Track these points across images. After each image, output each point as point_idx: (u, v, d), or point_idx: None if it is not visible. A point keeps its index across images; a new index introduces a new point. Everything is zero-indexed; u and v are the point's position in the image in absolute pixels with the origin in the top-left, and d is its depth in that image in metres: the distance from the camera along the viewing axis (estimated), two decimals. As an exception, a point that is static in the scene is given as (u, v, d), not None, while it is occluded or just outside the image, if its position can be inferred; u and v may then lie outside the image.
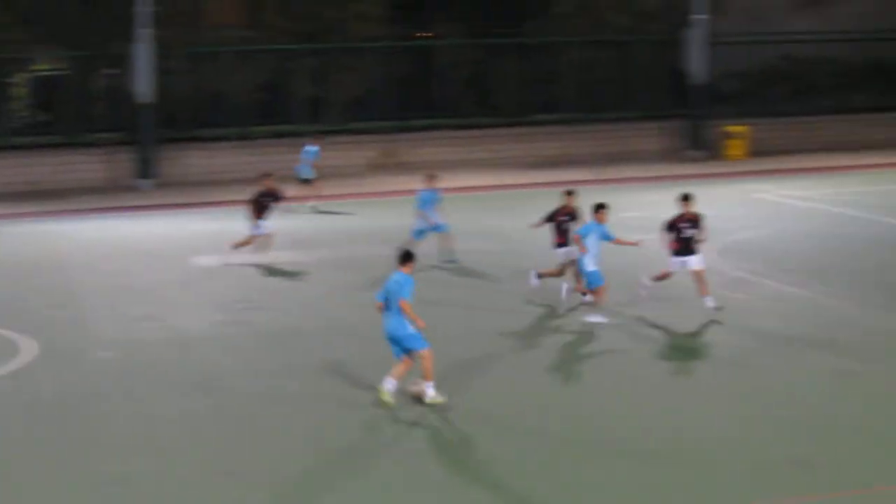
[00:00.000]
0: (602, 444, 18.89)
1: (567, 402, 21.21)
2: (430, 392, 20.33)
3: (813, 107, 58.11)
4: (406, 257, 20.67)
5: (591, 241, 25.86)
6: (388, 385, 20.26)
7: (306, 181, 42.16)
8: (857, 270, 30.81)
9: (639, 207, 40.77)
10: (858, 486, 17.08)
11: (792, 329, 25.41)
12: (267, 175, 34.13)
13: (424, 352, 20.30)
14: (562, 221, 27.62)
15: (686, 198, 26.43)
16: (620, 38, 55.25)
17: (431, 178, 32.74)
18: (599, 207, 26.21)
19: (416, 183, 34.92)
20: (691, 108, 53.39)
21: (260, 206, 32.97)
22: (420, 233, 31.92)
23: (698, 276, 26.05)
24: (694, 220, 26.27)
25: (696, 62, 52.46)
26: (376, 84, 53.81)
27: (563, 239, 27.56)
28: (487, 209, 41.34)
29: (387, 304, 20.38)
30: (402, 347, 20.41)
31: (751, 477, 17.31)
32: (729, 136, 53.84)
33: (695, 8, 52.17)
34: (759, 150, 53.78)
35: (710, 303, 25.95)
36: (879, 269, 31.16)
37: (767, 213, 39.73)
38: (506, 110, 54.64)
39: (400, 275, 20.38)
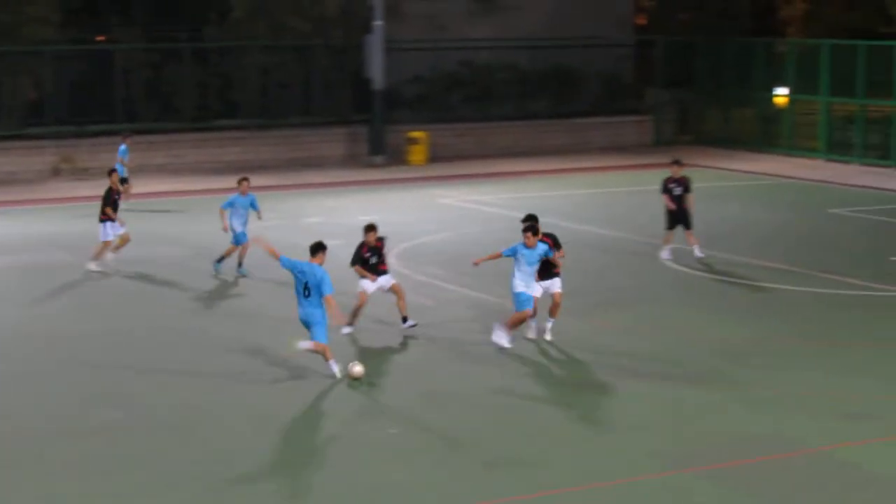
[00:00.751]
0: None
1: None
2: (335, 368, 21.93)
3: (492, 113, 59.28)
4: (317, 248, 22.08)
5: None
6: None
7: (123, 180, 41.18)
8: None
9: (324, 213, 41.18)
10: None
11: (470, 334, 25.83)
12: None
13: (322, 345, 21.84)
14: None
15: (370, 227, 25.35)
16: (300, 43, 55.19)
17: (243, 182, 31.89)
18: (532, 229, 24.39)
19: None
20: (372, 114, 53.73)
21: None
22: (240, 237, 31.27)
23: (396, 292, 25.72)
24: (377, 249, 25.45)
25: (376, 68, 52.72)
26: (53, 88, 52.66)
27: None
28: (169, 216, 40.98)
29: (306, 293, 21.70)
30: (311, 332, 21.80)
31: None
32: (410, 141, 54.40)
33: (373, 14, 52.54)
34: (439, 156, 54.63)
35: (406, 324, 25.60)
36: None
37: (449, 218, 40.27)
38: (186, 115, 54.08)
39: (316, 267, 21.79)
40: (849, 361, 23.56)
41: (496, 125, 58.26)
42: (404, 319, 25.34)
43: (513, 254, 23.98)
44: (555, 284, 24.86)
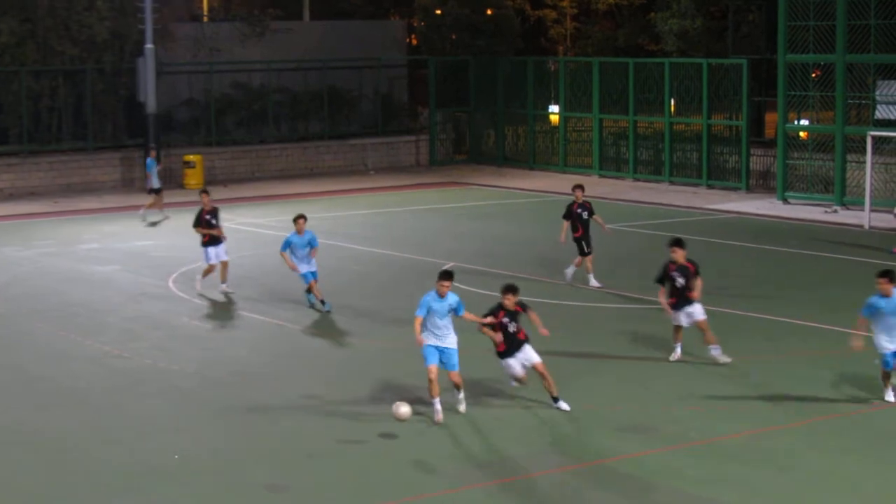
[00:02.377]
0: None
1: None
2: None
3: (267, 135, 59.35)
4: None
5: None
6: None
7: (156, 191, 45.67)
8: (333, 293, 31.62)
9: (99, 238, 40.73)
10: None
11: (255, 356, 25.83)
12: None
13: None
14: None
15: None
16: (71, 68, 54.36)
17: (299, 220, 29.65)
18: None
19: None
20: (146, 138, 53.11)
21: None
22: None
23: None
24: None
25: (148, 91, 52.04)
26: None
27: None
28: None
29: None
30: None
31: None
32: (186, 164, 54.11)
33: (144, 37, 51.99)
34: (215, 179, 54.38)
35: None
36: (344, 292, 32.06)
37: (232, 241, 40.09)
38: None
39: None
40: (625, 373, 24.21)
41: (271, 147, 58.38)
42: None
43: (425, 312, 21.16)
44: (531, 356, 21.56)
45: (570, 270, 32.17)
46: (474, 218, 45.02)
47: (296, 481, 18.58)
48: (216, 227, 31.75)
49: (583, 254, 31.95)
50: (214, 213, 32.08)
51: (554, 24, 74.27)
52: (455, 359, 21.19)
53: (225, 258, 31.70)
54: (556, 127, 59.09)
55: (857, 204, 43.91)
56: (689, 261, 24.40)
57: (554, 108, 58.88)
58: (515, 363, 21.22)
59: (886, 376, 21.66)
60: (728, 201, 48.10)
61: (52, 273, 35.18)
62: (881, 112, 46.62)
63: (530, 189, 52.90)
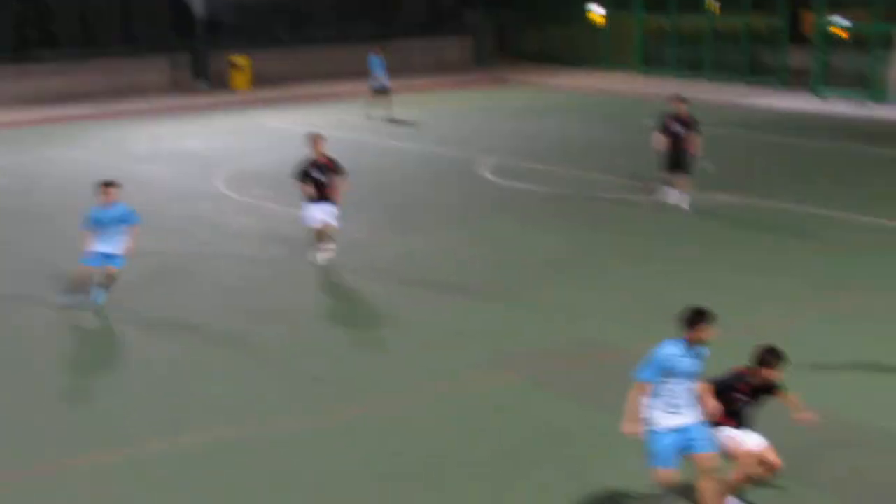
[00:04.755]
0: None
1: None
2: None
3: (314, 36, 59.17)
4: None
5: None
6: None
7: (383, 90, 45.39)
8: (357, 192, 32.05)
9: (150, 139, 41.37)
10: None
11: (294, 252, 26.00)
12: None
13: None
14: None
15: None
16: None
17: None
18: None
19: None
20: (194, 41, 53.72)
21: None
22: None
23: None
24: None
25: (196, -5, 52.89)
26: None
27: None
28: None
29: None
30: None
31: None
32: (233, 66, 54.37)
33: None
34: (262, 80, 54.65)
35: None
36: (383, 190, 32.44)
37: (274, 141, 40.57)
38: (5, 47, 53.27)
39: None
40: (662, 267, 24.33)
41: (318, 49, 58.23)
42: None
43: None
44: None
45: (672, 193, 29.24)
46: (527, 115, 45.38)
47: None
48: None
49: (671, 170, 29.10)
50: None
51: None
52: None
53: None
54: (598, 27, 59.13)
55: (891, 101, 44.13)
56: (328, 158, 24.20)
57: (596, 9, 58.85)
58: None
59: None
60: (764, 97, 48.31)
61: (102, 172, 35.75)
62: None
63: (575, 86, 53.24)
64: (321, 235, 24.13)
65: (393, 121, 43.34)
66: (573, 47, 60.09)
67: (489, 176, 33.60)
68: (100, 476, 15.20)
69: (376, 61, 45.22)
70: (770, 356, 13.51)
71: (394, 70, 55.34)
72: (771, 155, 36.74)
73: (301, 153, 23.67)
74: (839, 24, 48.82)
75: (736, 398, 13.58)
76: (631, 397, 13.02)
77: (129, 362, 19.70)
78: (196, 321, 21.45)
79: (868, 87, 46.53)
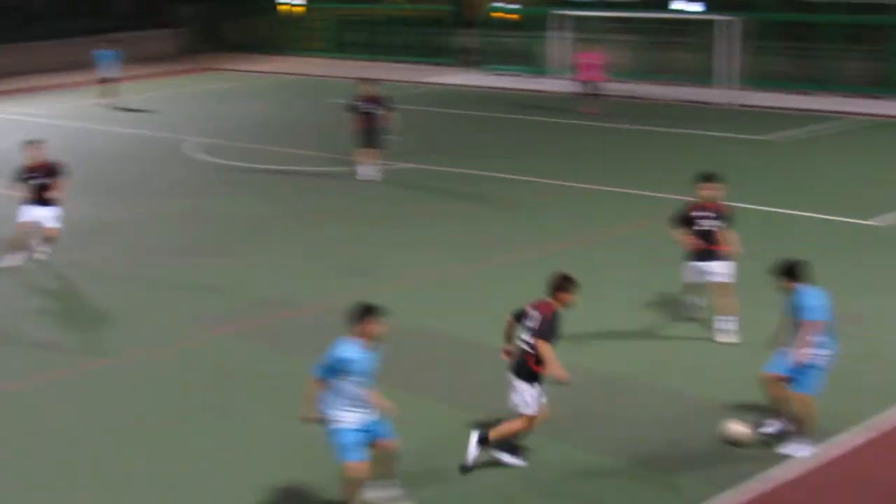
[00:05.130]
0: None
1: None
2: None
3: (32, 33, 57.24)
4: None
5: None
6: None
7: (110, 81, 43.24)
8: (81, 175, 31.31)
9: None
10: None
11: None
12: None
13: None
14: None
15: None
16: None
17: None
18: None
19: None
20: None
21: None
22: None
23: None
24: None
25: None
26: None
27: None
28: None
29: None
30: None
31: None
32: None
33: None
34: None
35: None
36: (100, 170, 31.83)
37: (5, 130, 39.10)
38: None
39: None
40: (358, 230, 24.42)
41: (38, 44, 56.46)
42: None
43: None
44: None
45: (363, 169, 28.99)
46: (230, 98, 44.98)
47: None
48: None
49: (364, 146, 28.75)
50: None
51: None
52: None
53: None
54: (293, 16, 58.93)
55: (548, 74, 45.05)
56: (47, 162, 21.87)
57: (290, 0, 58.71)
58: None
59: None
60: (440, 75, 48.90)
61: None
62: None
63: (273, 71, 52.92)
64: (28, 237, 22.02)
65: (117, 108, 42.23)
66: (273, 36, 59.74)
67: (202, 155, 33.21)
68: None
69: (103, 55, 43.76)
70: (566, 282, 13.19)
71: (110, 61, 54.07)
72: (451, 125, 37.26)
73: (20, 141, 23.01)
74: (499, 9, 49.68)
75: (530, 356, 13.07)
76: (307, 388, 12.08)
77: None
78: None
79: (530, 63, 47.49)
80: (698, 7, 43.30)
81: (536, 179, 28.34)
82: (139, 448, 14.27)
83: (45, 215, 21.74)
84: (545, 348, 12.87)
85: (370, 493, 12.34)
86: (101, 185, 29.62)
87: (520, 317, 13.31)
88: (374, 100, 28.41)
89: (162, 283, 21.00)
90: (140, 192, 29.03)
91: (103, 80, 43.42)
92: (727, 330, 17.01)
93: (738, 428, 13.89)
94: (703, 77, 41.74)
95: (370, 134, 28.41)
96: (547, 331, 12.97)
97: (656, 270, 20.13)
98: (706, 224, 17.09)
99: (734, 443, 13.77)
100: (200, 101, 44.94)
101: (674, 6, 43.92)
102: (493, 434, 13.30)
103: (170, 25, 61.50)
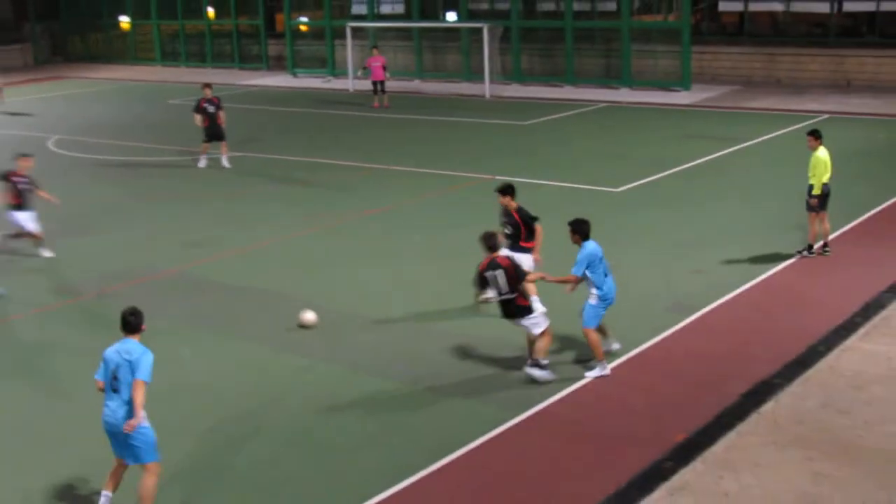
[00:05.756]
0: None
1: None
2: None
3: None
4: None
5: None
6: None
7: None
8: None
9: None
10: None
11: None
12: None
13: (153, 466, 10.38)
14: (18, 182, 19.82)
15: None
16: None
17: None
18: None
19: None
20: None
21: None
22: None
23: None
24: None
25: None
26: None
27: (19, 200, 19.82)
28: None
29: (113, 384, 10.12)
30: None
31: None
32: None
33: None
34: None
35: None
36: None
37: None
38: None
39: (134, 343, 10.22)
40: (203, 209, 23.89)
41: None
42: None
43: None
44: None
45: (204, 159, 28.08)
46: (76, 101, 43.44)
47: None
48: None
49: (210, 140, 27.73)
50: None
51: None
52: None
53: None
54: (126, 31, 57.32)
55: (344, 75, 44.82)
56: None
57: (124, 18, 56.98)
58: None
59: None
60: (254, 78, 48.16)
61: None
62: (355, 9, 47.57)
63: (113, 78, 51.29)
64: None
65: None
66: (110, 48, 58.10)
67: (54, 148, 31.96)
68: None
69: None
70: (493, 238, 13.25)
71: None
72: (268, 120, 36.62)
73: None
74: (301, 22, 49.16)
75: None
76: (137, 393, 9.94)
77: None
78: None
79: (327, 66, 47.17)
80: (454, 17, 43.43)
81: (335, 162, 28.06)
82: None
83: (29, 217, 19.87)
84: (528, 284, 13.31)
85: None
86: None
87: (483, 281, 13.23)
88: (213, 101, 27.48)
89: (25, 258, 20.08)
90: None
91: None
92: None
93: (307, 316, 15.36)
94: (470, 74, 42.00)
95: (214, 130, 27.47)
96: (521, 273, 13.11)
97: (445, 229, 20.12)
98: None
99: (303, 326, 15.29)
100: (52, 103, 43.21)
101: (448, 17, 43.95)
102: (538, 356, 13.31)
103: (21, 41, 59.22)
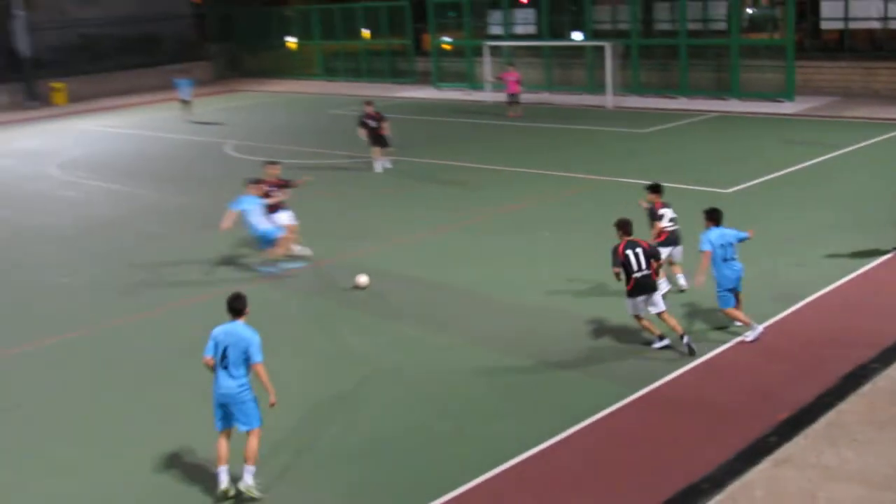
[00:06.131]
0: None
1: None
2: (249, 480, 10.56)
3: (104, 66, 56.64)
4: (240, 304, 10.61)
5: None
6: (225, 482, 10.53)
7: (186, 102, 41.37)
8: (150, 170, 31.11)
9: (0, 142, 39.02)
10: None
11: (118, 210, 25.27)
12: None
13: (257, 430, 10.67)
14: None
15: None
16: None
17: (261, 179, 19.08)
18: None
19: None
20: (23, 73, 50.69)
21: None
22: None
23: None
24: None
25: (22, 43, 49.98)
26: None
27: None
28: None
29: (223, 361, 10.37)
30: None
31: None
32: (54, 89, 51.67)
33: (13, 5, 49.44)
34: (76, 98, 52.26)
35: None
36: (164, 166, 31.49)
37: (87, 138, 38.82)
38: None
39: (241, 326, 10.49)
40: (362, 205, 24.05)
41: (109, 74, 55.78)
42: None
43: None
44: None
45: (379, 163, 28.12)
46: (254, 111, 44.46)
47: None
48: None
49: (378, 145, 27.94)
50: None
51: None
52: None
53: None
54: (293, 50, 58.41)
55: (481, 88, 44.85)
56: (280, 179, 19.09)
57: (290, 39, 58.10)
58: None
59: None
60: (403, 91, 48.54)
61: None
62: (492, 30, 47.56)
63: (282, 91, 52.34)
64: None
65: (193, 122, 40.78)
66: (278, 64, 59.12)
67: (231, 153, 32.80)
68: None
69: (181, 82, 42.03)
70: (625, 225, 13.61)
71: (160, 87, 53.62)
72: (415, 128, 36.89)
73: (105, 145, 22.69)
74: (445, 42, 49.36)
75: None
76: (262, 375, 10.31)
77: None
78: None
79: (467, 80, 47.28)
80: (581, 36, 43.07)
81: (474, 165, 28.17)
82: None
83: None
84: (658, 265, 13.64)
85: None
86: (147, 174, 29.16)
87: (618, 260, 13.46)
88: (374, 117, 27.68)
89: (183, 244, 20.63)
90: (180, 181, 28.61)
91: (183, 101, 41.83)
92: None
93: (361, 279, 16.36)
94: (594, 87, 41.68)
95: (376, 139, 27.82)
96: (657, 253, 13.66)
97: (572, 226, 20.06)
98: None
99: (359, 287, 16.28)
100: (229, 113, 44.35)
101: (574, 36, 43.67)
102: (681, 331, 13.59)
103: (206, 58, 60.79)
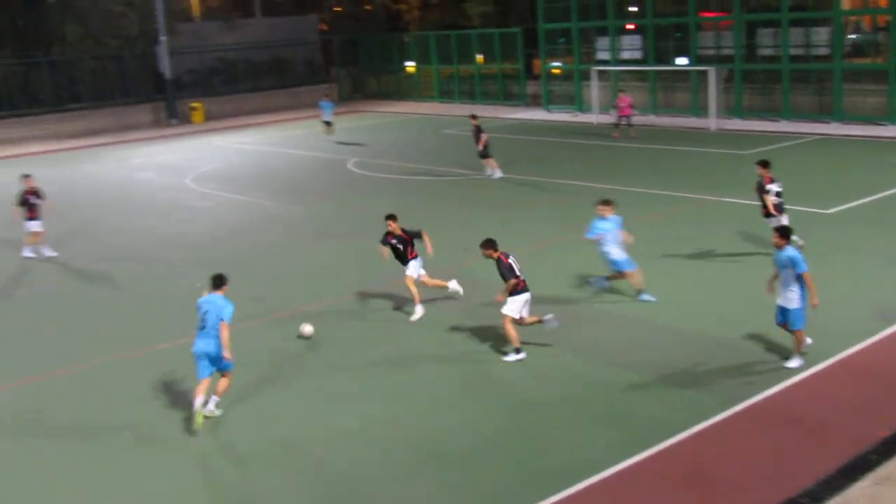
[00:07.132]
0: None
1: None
2: (212, 406, 12.60)
3: (239, 87, 58.05)
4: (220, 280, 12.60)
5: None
6: (199, 404, 12.18)
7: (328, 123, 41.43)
8: (274, 181, 31.57)
9: (143, 156, 40.13)
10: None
11: (237, 218, 25.71)
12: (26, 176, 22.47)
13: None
14: None
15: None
16: (115, 53, 52.99)
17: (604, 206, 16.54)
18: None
19: None
20: (167, 93, 52.21)
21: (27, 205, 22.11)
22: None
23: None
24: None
25: (165, 65, 51.34)
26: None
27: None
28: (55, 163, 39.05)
29: (202, 325, 12.25)
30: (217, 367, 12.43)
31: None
32: (192, 108, 53.07)
33: (159, 32, 50.89)
34: (211, 116, 53.56)
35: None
36: (285, 180, 31.94)
37: (222, 153, 39.67)
38: (48, 102, 51.28)
39: (219, 297, 12.42)
40: (476, 218, 23.99)
41: (242, 95, 57.14)
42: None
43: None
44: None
45: (496, 172, 29.12)
46: (374, 130, 44.90)
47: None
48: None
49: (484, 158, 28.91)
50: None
51: (405, 13, 73.08)
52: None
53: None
54: (411, 74, 58.85)
55: (589, 110, 44.46)
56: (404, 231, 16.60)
57: (409, 63, 58.56)
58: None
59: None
60: (515, 113, 48.44)
61: (115, 178, 34.62)
62: (600, 55, 47.10)
63: (400, 112, 52.75)
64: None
65: (336, 142, 40.55)
66: (398, 87, 59.59)
67: (353, 168, 33.11)
68: None
69: (325, 104, 41.91)
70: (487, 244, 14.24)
71: (289, 107, 54.62)
72: (525, 147, 36.75)
73: (238, 160, 22.97)
74: (554, 66, 49.10)
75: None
76: (223, 333, 12.21)
77: None
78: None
79: (575, 103, 46.91)
80: (685, 61, 42.29)
81: (580, 183, 27.85)
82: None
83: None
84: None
85: None
86: (273, 186, 29.62)
87: (512, 266, 14.02)
88: (476, 130, 28.60)
89: (314, 258, 20.74)
90: (301, 193, 28.86)
91: (326, 123, 41.75)
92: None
93: (306, 328, 15.31)
94: (697, 109, 40.90)
95: (485, 152, 28.91)
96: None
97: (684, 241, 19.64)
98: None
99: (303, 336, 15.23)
100: (352, 132, 44.84)
101: (678, 61, 42.94)
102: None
103: (330, 81, 61.72)
